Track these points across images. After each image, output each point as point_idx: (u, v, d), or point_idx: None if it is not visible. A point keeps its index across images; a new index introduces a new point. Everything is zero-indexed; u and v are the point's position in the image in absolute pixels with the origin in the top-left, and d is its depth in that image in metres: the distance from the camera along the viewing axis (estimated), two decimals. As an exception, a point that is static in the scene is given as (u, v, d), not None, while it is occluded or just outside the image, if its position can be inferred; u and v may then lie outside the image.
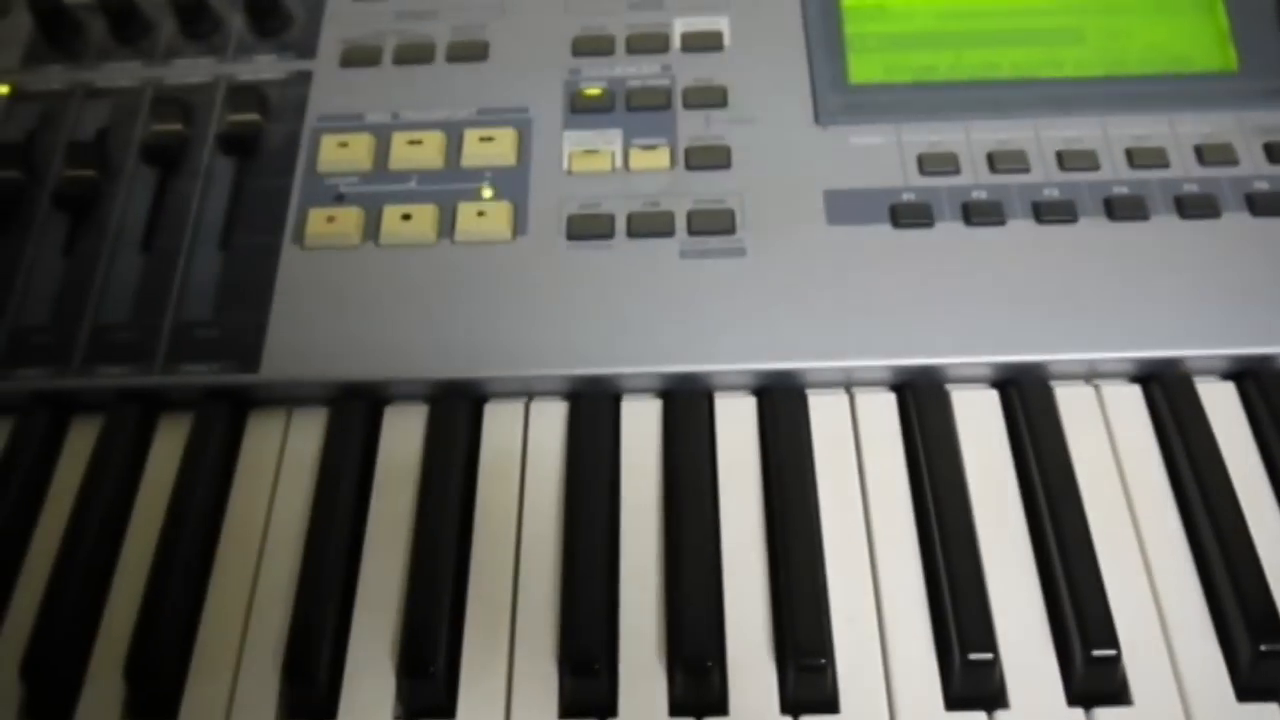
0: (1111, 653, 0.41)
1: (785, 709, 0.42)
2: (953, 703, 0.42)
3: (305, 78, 0.57)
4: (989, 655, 0.41)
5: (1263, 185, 0.52)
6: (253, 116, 0.56)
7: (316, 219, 0.52)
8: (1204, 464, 0.46)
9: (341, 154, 0.54)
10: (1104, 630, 0.42)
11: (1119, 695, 0.42)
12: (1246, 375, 0.49)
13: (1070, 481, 0.46)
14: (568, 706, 0.42)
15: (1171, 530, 0.45)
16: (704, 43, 0.57)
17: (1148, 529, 0.45)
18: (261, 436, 0.50)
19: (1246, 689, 0.42)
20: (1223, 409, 0.48)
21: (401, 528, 0.47)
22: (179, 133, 0.55)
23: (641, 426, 0.49)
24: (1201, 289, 0.50)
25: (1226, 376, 0.49)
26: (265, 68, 0.58)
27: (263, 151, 0.55)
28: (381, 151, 0.55)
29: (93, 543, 0.46)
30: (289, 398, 0.50)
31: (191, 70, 0.58)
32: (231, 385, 0.49)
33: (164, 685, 0.43)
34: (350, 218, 0.52)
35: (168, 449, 0.49)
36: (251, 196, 0.54)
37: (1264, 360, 0.49)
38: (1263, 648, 0.41)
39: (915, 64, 0.56)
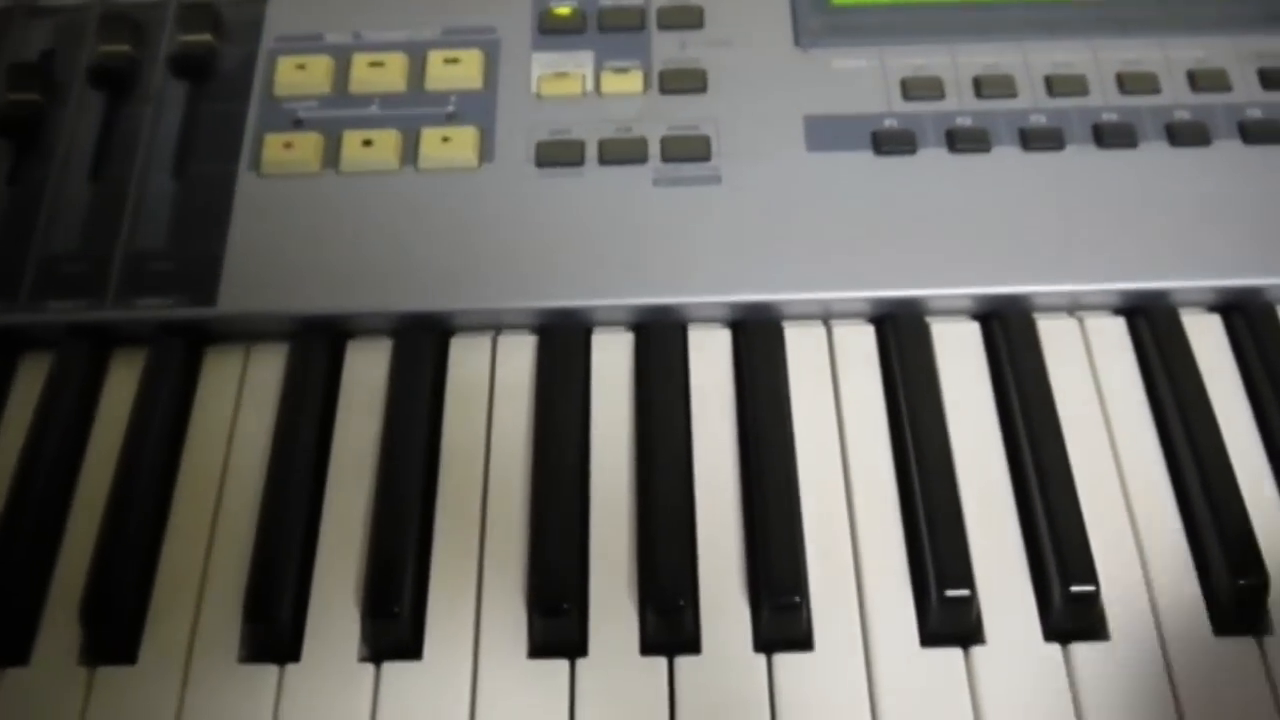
0: (1090, 589, 0.41)
1: (759, 647, 0.41)
2: (929, 639, 0.41)
3: (261, -4, 0.55)
4: (966, 592, 0.41)
5: (1256, 113, 0.51)
6: (205, 37, 0.53)
7: (273, 145, 0.50)
8: (1187, 398, 0.45)
9: (299, 77, 0.52)
10: (1083, 566, 0.41)
11: (1096, 631, 0.41)
12: (1233, 308, 0.48)
13: (1051, 415, 0.45)
14: (537, 647, 0.41)
15: (1153, 464, 0.45)
16: (680, -40, 0.54)
17: (1129, 463, 0.45)
18: (219, 373, 0.48)
19: (1224, 623, 0.41)
20: (1208, 342, 0.47)
21: (365, 466, 0.45)
22: (128, 54, 0.53)
23: (613, 361, 0.48)
24: (1190, 219, 0.48)
25: (1213, 309, 0.48)
26: (218, -15, 0.55)
27: (216, 74, 0.53)
28: (341, 74, 0.52)
29: (45, 484, 0.45)
30: (248, 332, 0.48)
31: (140, -13, 0.55)
32: (187, 320, 0.48)
33: (121, 628, 0.42)
34: (309, 144, 0.50)
35: (122, 386, 0.48)
36: (205, 122, 0.51)
37: (1251, 293, 0.48)
38: (1242, 582, 0.41)
39: (900, -17, 0.54)
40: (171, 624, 0.42)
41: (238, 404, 0.47)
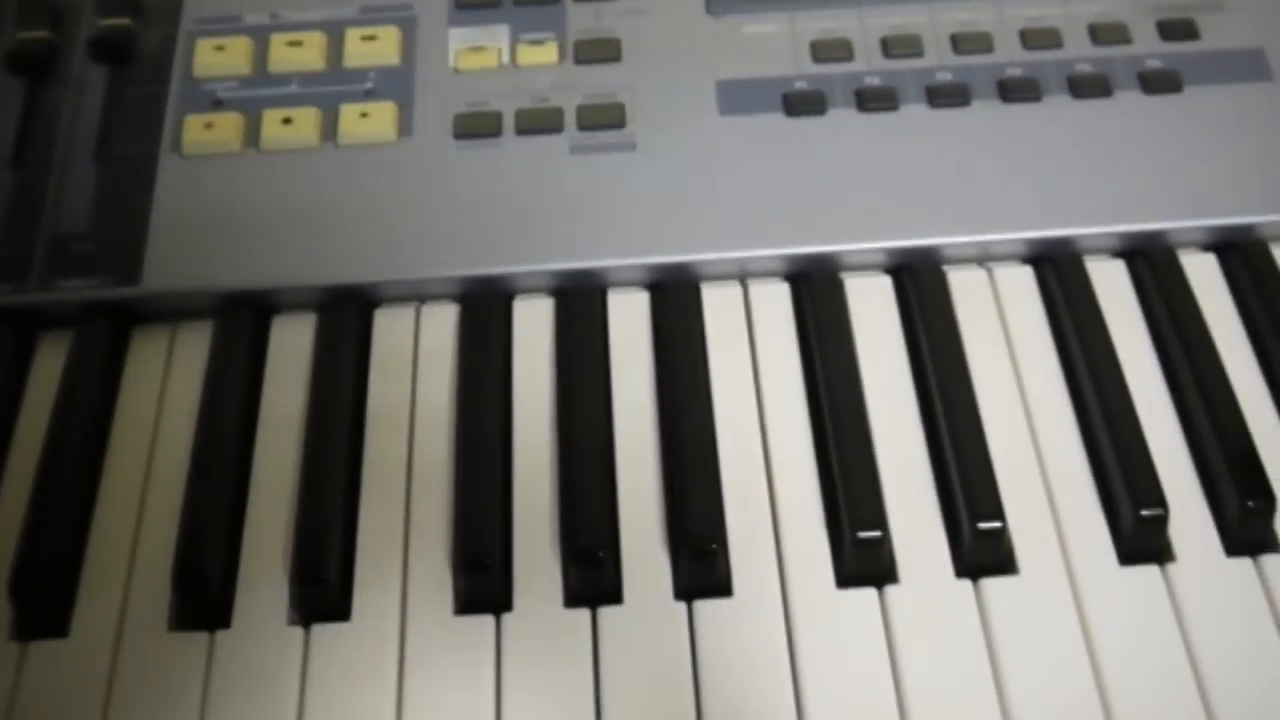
0: (997, 525, 0.42)
1: (679, 595, 0.42)
2: (844, 581, 0.42)
3: (178, -21, 0.55)
4: (878, 533, 0.42)
5: (1155, 64, 0.52)
6: (124, 21, 0.53)
7: (194, 126, 0.51)
8: (1091, 339, 0.46)
9: (218, 58, 0.52)
10: (990, 504, 0.42)
11: (1005, 566, 0.42)
12: (1136, 253, 0.49)
13: (960, 362, 0.46)
14: (463, 604, 0.42)
15: (1059, 404, 0.46)
16: (592, -68, 0.55)
17: (1036, 405, 0.46)
18: (146, 351, 0.48)
19: (1129, 553, 0.42)
20: (1113, 287, 0.49)
21: (292, 437, 0.46)
22: (47, 39, 0.53)
23: (534, 325, 0.48)
24: (1093, 168, 0.50)
25: (1117, 254, 0.50)
26: (135, -31, 0.55)
27: (136, 58, 0.53)
28: (260, 54, 0.53)
29: (-27, 464, 0.45)
30: (173, 311, 0.49)
31: (57, -26, 0.55)
32: (112, 299, 0.48)
33: (52, 603, 0.42)
34: (229, 123, 0.51)
35: (49, 369, 0.48)
36: (126, 105, 0.52)
37: (1153, 237, 0.49)
38: (1144, 513, 0.42)
39: (809, -51, 0.55)
40: (102, 597, 0.43)
41: (165, 381, 0.48)
